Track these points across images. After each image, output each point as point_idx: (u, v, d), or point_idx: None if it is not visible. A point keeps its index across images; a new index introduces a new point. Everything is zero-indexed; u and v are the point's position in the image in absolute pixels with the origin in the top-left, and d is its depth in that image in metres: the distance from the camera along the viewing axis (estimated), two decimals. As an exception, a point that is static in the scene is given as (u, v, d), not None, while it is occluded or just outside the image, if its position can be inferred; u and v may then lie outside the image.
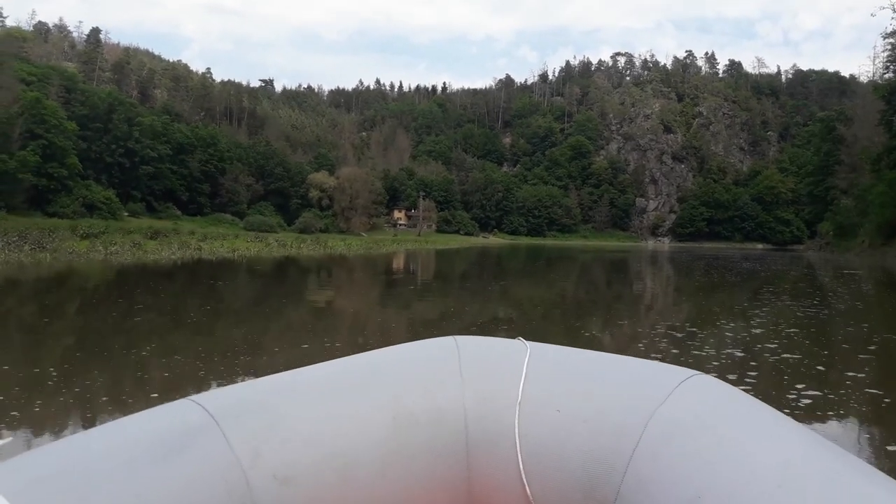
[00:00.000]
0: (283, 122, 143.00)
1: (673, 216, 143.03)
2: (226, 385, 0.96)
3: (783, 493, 0.75)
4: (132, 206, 69.57)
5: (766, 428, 0.90)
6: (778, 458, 0.81)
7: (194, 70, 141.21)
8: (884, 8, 50.40)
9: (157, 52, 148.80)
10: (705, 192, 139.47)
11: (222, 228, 69.71)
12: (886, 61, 51.30)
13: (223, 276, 17.36)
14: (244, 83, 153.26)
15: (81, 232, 34.44)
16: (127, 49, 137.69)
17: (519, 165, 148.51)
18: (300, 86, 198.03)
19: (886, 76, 52.23)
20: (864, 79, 75.47)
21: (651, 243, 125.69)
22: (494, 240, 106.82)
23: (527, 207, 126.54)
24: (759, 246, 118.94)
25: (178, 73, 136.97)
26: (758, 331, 8.03)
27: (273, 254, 30.53)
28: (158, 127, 76.57)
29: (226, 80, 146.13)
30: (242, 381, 1.06)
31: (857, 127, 62.90)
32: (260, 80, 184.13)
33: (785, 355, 6.21)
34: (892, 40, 47.77)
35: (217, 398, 0.97)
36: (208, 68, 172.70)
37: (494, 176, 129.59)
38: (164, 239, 35.41)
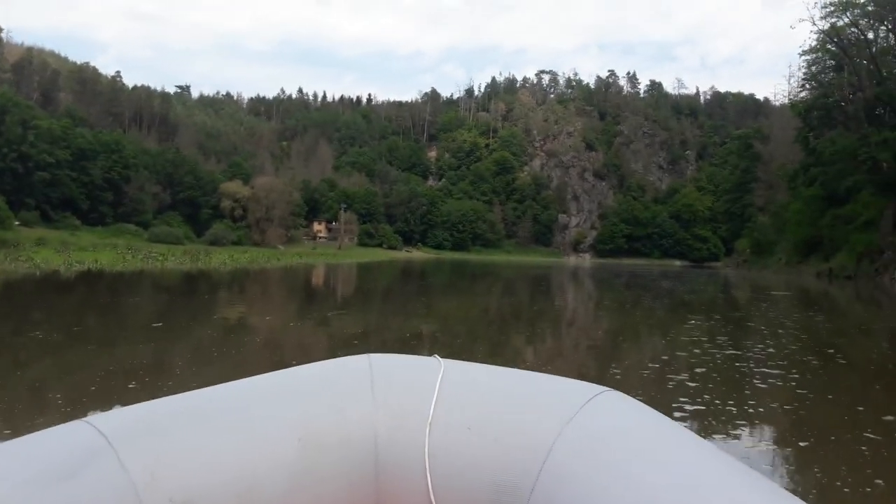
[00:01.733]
0: (197, 129, 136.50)
1: (594, 232, 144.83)
2: (123, 406, 0.94)
3: None
4: (25, 214, 63.66)
5: (671, 445, 0.91)
6: (682, 475, 0.82)
7: (104, 73, 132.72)
8: (803, 20, 51.41)
9: (63, 55, 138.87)
10: (625, 209, 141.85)
11: (124, 239, 65.04)
12: (803, 79, 52.43)
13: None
14: (159, 89, 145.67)
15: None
16: (30, 49, 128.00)
17: (444, 179, 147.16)
18: (218, 92, 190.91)
19: (802, 94, 53.32)
20: (779, 100, 77.51)
21: (573, 259, 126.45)
22: (418, 254, 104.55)
23: (451, 222, 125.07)
24: (678, 263, 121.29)
25: (85, 76, 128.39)
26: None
27: (138, 265, 26.48)
28: (58, 131, 70.94)
29: (139, 85, 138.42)
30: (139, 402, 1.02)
31: (773, 145, 64.23)
32: (176, 85, 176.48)
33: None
34: (808, 58, 48.71)
35: (112, 419, 0.94)
36: (118, 71, 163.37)
37: (419, 189, 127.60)
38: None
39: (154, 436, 0.91)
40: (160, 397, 1.03)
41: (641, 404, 1.06)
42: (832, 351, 8.00)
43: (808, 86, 51.17)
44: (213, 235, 79.35)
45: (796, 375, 5.92)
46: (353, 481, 1.02)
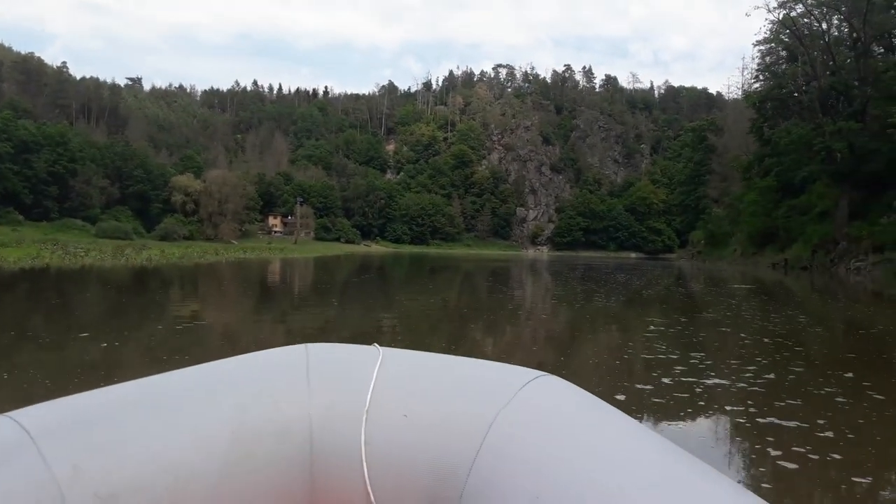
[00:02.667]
0: (148, 121, 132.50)
1: (551, 226, 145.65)
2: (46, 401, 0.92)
3: (620, 493, 0.77)
4: (-39, 209, 60.67)
5: (607, 428, 0.93)
6: (617, 458, 0.84)
7: (49, 64, 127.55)
8: (758, 7, 51.45)
9: (8, 45, 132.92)
10: (582, 202, 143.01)
11: (70, 235, 62.61)
12: (756, 70, 52.92)
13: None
14: (109, 80, 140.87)
15: None
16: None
17: (402, 173, 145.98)
18: (171, 85, 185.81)
19: (756, 86, 53.89)
20: (732, 94, 78.67)
21: (531, 252, 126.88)
22: (377, 248, 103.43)
23: (410, 215, 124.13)
24: (633, 255, 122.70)
25: (29, 67, 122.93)
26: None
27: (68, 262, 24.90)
28: (-3, 123, 67.79)
29: (88, 76, 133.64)
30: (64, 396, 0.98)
31: (727, 137, 64.98)
32: (127, 77, 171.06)
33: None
34: (762, 48, 49.16)
35: (33, 414, 0.91)
36: (64, 62, 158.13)
37: (377, 183, 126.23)
38: None
39: (78, 430, 0.89)
40: (87, 391, 1.00)
41: (577, 388, 1.07)
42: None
43: (761, 77, 51.74)
44: (164, 230, 76.90)
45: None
46: (288, 471, 1.01)
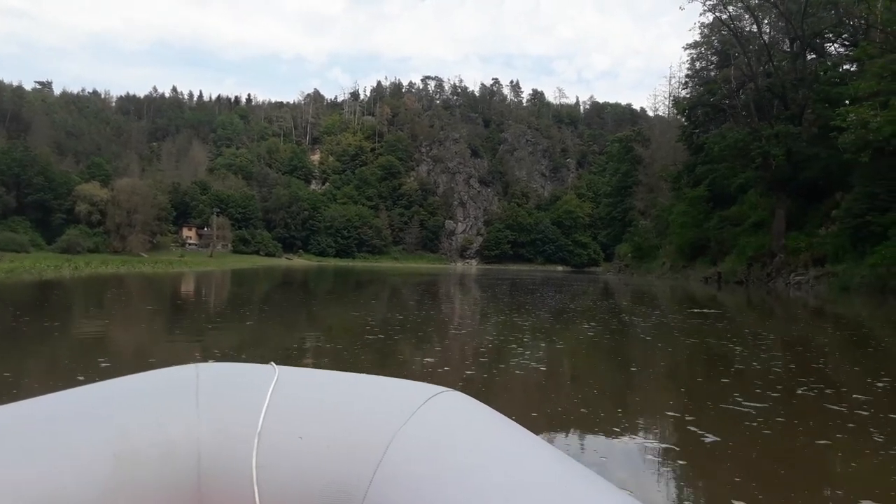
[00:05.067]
0: (55, 126, 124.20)
1: (480, 239, 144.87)
2: None
3: None
4: None
5: (509, 444, 0.92)
6: (517, 472, 0.83)
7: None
8: (693, 0, 48.59)
9: None
10: (510, 215, 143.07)
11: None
12: (686, 77, 52.58)
13: None
14: (14, 84, 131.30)
15: None
16: None
17: (328, 184, 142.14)
18: (83, 90, 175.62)
19: (684, 93, 53.61)
20: (659, 108, 79.15)
21: (460, 265, 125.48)
22: (299, 261, 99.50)
23: (335, 227, 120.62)
24: (559, 268, 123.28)
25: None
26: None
27: None
28: None
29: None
30: None
31: (653, 149, 64.90)
32: (36, 81, 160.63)
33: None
34: (692, 52, 48.80)
35: None
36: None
37: (301, 193, 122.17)
38: None
39: None
40: None
41: (480, 404, 1.06)
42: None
43: (690, 83, 51.46)
44: (66, 242, 71.31)
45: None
46: (174, 496, 0.96)
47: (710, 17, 40.64)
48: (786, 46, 39.26)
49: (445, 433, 0.93)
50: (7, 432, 0.88)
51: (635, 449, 3.54)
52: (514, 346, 7.53)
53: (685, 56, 57.97)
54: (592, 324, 10.37)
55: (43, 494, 0.83)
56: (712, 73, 47.36)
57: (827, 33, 37.36)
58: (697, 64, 50.04)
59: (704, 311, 14.29)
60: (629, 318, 11.44)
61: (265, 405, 1.02)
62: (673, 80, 79.69)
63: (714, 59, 47.92)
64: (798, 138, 32.73)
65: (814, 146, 31.63)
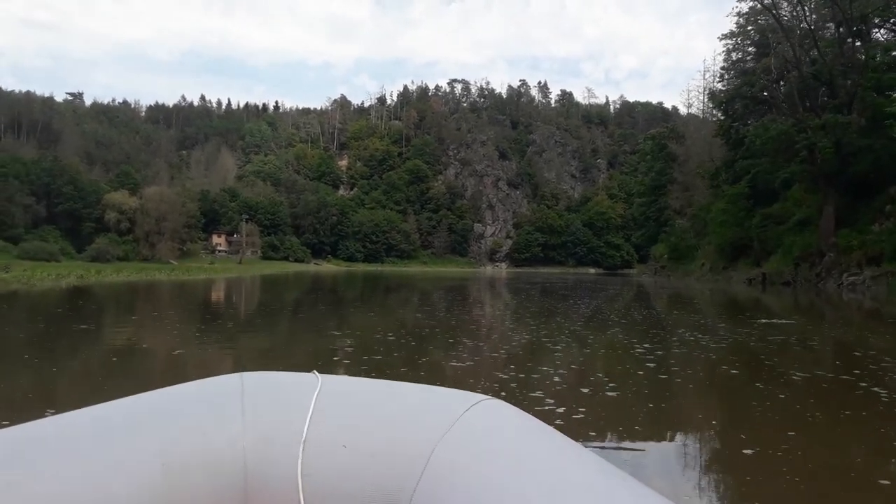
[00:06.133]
0: (86, 137, 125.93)
1: (509, 242, 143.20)
2: None
3: None
4: None
5: (550, 451, 0.92)
6: (559, 480, 0.83)
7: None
8: None
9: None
10: (539, 217, 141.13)
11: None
12: (721, 68, 50.23)
13: None
14: (46, 95, 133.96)
15: None
16: None
17: (356, 189, 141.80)
18: (113, 100, 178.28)
19: (719, 86, 51.40)
20: (693, 105, 76.56)
21: (489, 269, 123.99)
22: (328, 266, 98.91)
23: (363, 232, 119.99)
24: (592, 270, 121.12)
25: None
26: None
27: None
28: None
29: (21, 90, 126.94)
30: None
31: (688, 145, 62.69)
32: (67, 92, 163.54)
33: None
34: (728, 43, 46.57)
35: None
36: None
37: (329, 199, 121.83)
38: None
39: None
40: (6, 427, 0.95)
41: (521, 412, 1.06)
42: None
43: (726, 76, 49.21)
44: (96, 251, 71.65)
45: None
46: None
47: (745, 6, 38.62)
48: (829, 34, 36.95)
49: (488, 440, 0.94)
50: (58, 442, 0.90)
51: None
52: (541, 391, 4.99)
53: (720, 47, 55.51)
54: (647, 345, 8.74)
55: (93, 503, 0.84)
56: (749, 65, 45.12)
57: (875, 17, 35.00)
58: (734, 55, 47.75)
59: (773, 321, 12.50)
60: (690, 334, 9.85)
61: (309, 414, 1.03)
62: (707, 74, 77.23)
63: (751, 49, 45.61)
64: (848, 128, 30.44)
65: (865, 137, 29.46)
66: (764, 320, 12.47)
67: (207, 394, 1.09)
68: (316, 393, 1.07)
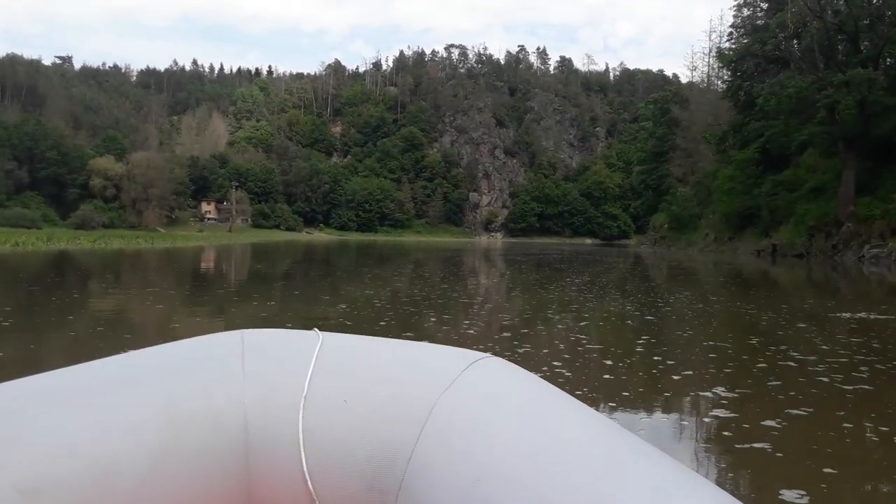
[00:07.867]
0: (73, 101, 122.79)
1: (505, 211, 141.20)
2: None
3: (561, 473, 0.77)
4: None
5: (551, 409, 0.93)
6: (560, 437, 0.84)
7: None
8: None
9: None
10: (536, 187, 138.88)
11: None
12: (731, 26, 47.60)
13: None
14: (34, 59, 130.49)
15: None
16: None
17: (349, 156, 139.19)
18: (104, 64, 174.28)
19: (728, 45, 48.78)
20: (698, 71, 74.00)
21: (484, 239, 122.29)
22: (320, 235, 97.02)
23: (357, 201, 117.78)
24: (588, 241, 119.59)
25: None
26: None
27: None
28: None
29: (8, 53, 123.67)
30: None
31: (692, 110, 60.34)
32: (56, 56, 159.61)
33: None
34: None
35: None
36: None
37: (321, 166, 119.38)
38: None
39: None
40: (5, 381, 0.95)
41: (522, 370, 1.07)
42: None
43: (735, 34, 46.61)
44: (80, 218, 69.53)
45: None
46: (223, 461, 0.98)
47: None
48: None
49: (488, 396, 0.95)
50: (54, 397, 0.91)
51: None
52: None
53: (730, 2, 52.78)
54: (651, 330, 6.98)
55: (93, 461, 0.85)
56: (761, 22, 42.56)
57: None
58: (745, 11, 45.10)
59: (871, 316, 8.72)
60: (706, 306, 8.05)
61: (310, 370, 1.04)
62: (713, 35, 74.32)
63: (764, 5, 42.96)
64: (874, 85, 27.99)
65: (892, 95, 27.25)
66: (862, 314, 8.17)
67: (207, 351, 1.09)
68: (317, 349, 1.08)
